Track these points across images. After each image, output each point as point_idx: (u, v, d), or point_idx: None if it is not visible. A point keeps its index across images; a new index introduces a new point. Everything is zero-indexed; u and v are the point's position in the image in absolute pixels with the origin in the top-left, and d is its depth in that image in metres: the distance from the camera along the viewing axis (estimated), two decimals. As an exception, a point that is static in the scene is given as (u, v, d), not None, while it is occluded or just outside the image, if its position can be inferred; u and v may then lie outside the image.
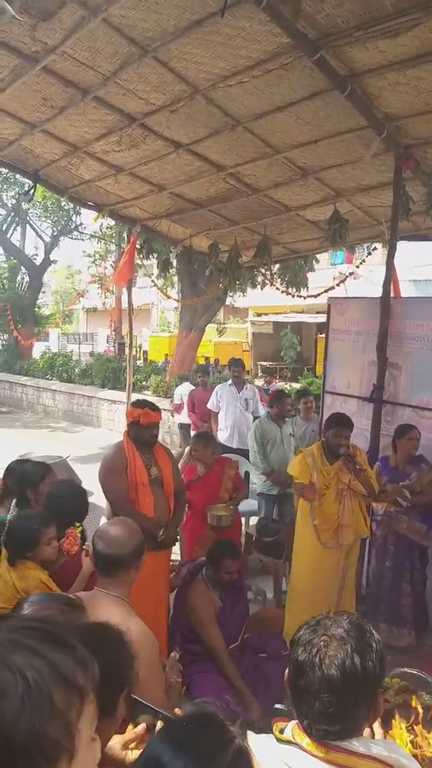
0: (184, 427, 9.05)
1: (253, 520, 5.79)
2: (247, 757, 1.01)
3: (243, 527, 5.49)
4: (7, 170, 8.13)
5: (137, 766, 1.01)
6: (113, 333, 20.90)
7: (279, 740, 1.36)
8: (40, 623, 0.79)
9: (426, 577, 4.52)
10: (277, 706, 3.51)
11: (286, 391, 8.03)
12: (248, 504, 5.71)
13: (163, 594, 3.86)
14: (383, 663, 1.37)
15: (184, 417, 8.80)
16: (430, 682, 2.72)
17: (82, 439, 10.90)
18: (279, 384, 14.10)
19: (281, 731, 1.39)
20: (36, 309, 20.64)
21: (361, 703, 1.32)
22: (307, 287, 13.39)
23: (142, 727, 1.49)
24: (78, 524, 2.69)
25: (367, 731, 1.49)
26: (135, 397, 8.03)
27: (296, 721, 1.37)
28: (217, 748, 0.98)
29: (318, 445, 4.38)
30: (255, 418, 7.16)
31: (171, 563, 4.28)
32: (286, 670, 1.41)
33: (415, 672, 2.88)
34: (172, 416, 9.82)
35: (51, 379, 16.50)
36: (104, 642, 1.43)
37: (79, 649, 0.78)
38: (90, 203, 6.71)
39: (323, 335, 6.21)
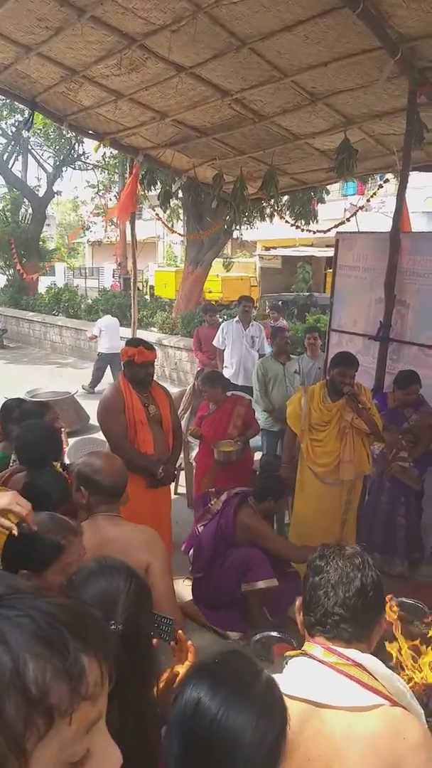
0: (100, 356, 10.51)
1: (257, 456, 5.88)
2: (276, 685, 1.07)
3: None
4: (4, 97, 7.78)
5: (175, 708, 1.02)
6: (118, 267, 20.59)
7: (288, 657, 1.46)
8: (48, 614, 0.61)
9: (422, 509, 4.62)
10: (273, 633, 3.68)
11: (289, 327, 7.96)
12: (252, 441, 5.80)
13: (166, 530, 3.97)
14: (383, 588, 1.47)
15: (101, 347, 10.38)
16: (425, 612, 2.83)
17: (90, 376, 10.95)
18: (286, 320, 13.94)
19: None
20: (40, 242, 20.26)
21: (373, 602, 1.42)
22: (317, 220, 13.01)
23: None
24: (56, 462, 2.67)
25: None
26: (141, 333, 8.02)
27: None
28: (251, 679, 1.04)
29: (322, 383, 4.40)
30: (261, 355, 7.14)
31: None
32: (298, 598, 1.50)
33: (410, 601, 3.00)
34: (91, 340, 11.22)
35: (57, 315, 16.42)
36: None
37: (72, 661, 0.60)
38: (90, 132, 6.47)
39: (332, 270, 6.09)
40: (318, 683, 1.33)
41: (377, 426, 4.17)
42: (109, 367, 10.41)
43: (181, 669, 1.65)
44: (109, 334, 10.37)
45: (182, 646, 1.70)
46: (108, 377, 10.24)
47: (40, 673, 0.58)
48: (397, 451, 4.35)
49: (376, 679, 1.33)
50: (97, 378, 10.54)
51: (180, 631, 1.72)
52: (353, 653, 1.35)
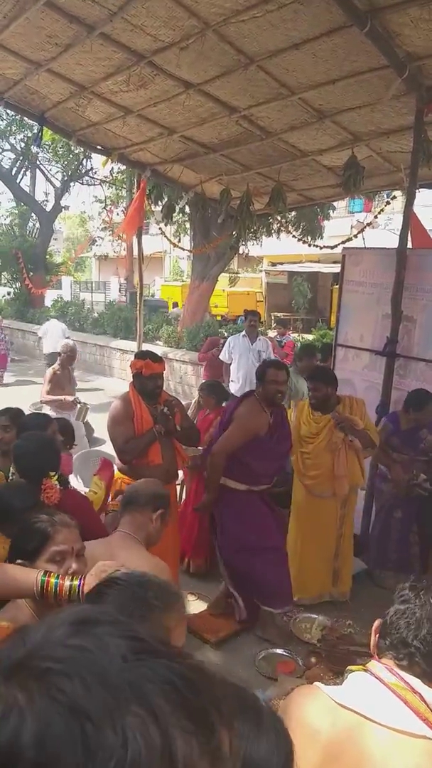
0: (45, 357, 11.11)
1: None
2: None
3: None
4: (14, 112, 7.88)
5: None
6: (125, 282, 20.67)
7: (350, 671, 1.45)
8: (188, 680, 0.54)
9: None
10: (278, 651, 3.61)
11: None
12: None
13: (173, 536, 3.90)
14: None
15: (45, 348, 11.16)
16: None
17: (95, 389, 10.95)
18: (292, 335, 13.95)
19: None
20: (48, 256, 20.38)
21: None
22: (323, 236, 13.07)
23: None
24: (52, 474, 2.64)
25: None
26: (146, 347, 8.01)
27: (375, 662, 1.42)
28: (255, 704, 0.99)
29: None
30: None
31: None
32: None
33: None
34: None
35: (63, 328, 16.46)
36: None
37: (217, 738, 0.53)
38: (98, 147, 6.52)
39: (338, 286, 6.08)
40: (371, 699, 1.31)
41: (373, 440, 4.16)
42: None
43: None
44: (51, 336, 11.12)
45: None
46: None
47: (188, 751, 0.50)
48: (417, 473, 4.30)
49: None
50: None
51: None
52: (414, 681, 1.32)
